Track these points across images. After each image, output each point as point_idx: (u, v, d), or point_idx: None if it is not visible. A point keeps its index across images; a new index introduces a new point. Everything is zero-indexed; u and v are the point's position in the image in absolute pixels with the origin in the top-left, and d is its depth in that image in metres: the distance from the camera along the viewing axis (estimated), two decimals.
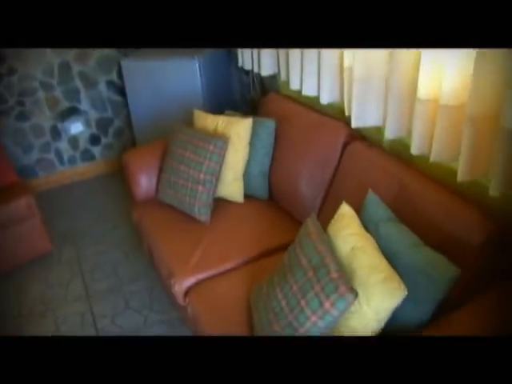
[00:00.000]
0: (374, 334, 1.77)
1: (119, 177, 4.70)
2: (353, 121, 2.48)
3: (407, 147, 2.27)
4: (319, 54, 2.69)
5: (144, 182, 3.17)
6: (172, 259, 2.63)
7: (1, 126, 4.31)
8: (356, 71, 2.34)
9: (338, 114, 2.81)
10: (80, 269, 3.56)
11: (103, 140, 4.77)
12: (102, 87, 4.57)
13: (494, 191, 1.80)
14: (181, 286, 2.47)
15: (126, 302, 3.20)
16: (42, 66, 4.31)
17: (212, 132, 2.99)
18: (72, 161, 4.74)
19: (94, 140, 4.75)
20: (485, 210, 1.88)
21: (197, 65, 3.78)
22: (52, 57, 4.31)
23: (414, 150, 2.15)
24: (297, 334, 1.79)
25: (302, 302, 1.78)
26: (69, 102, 4.51)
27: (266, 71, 3.37)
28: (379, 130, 2.54)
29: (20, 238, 3.57)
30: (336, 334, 1.83)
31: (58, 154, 4.66)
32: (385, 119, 2.33)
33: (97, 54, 4.43)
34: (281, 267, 2.04)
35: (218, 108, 4.03)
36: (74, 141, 4.67)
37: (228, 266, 2.57)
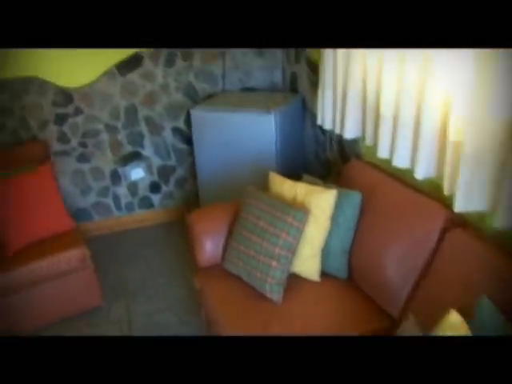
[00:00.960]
0: None
1: (177, 227, 4.51)
2: (456, 204, 2.15)
3: None
4: (416, 120, 2.40)
5: (209, 247, 2.91)
6: None
7: (61, 165, 4.16)
8: (467, 146, 2.03)
9: (434, 192, 2.49)
10: (129, 329, 3.30)
11: (164, 188, 4.56)
12: (168, 134, 4.39)
13: None
14: None
15: None
16: (108, 108, 4.17)
17: (290, 201, 2.72)
18: (129, 207, 4.54)
19: (155, 188, 4.54)
20: None
21: (272, 120, 3.55)
22: (120, 99, 4.17)
23: None
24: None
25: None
26: (132, 147, 4.35)
27: (349, 134, 3.08)
28: (484, 215, 2.22)
29: (70, 290, 3.38)
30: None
31: (116, 198, 4.47)
32: (496, 204, 2.01)
33: (165, 99, 4.27)
34: None
35: (290, 168, 3.80)
36: (133, 187, 4.48)
37: None
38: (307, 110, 4.01)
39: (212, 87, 4.34)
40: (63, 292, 3.35)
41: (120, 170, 4.39)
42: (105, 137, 4.24)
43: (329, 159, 3.77)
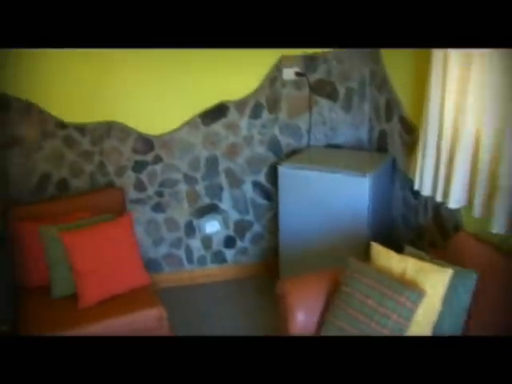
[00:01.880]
0: None
1: (249, 285, 4.31)
2: None
3: None
4: None
5: (301, 319, 2.69)
6: None
7: (136, 214, 4.02)
8: None
9: None
10: None
11: (239, 243, 4.36)
12: (247, 188, 4.21)
13: None
14: None
15: None
16: (188, 158, 4.04)
17: (399, 277, 2.47)
18: (202, 261, 4.35)
19: (229, 242, 4.35)
20: None
21: (367, 183, 3.33)
22: (201, 150, 4.03)
23: None
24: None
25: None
26: (210, 199, 4.18)
27: (454, 203, 2.83)
28: None
29: None
30: None
31: (189, 251, 4.30)
32: None
33: (248, 151, 4.11)
34: None
35: (380, 233, 3.56)
36: (207, 240, 4.30)
37: None
38: (397, 172, 3.78)
39: (296, 142, 4.16)
40: None
41: (195, 222, 4.22)
42: (183, 187, 4.10)
43: (421, 225, 3.51)
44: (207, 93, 3.93)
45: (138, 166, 3.98)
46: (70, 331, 2.93)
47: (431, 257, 2.59)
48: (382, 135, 3.99)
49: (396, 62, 3.70)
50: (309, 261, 3.66)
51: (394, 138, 3.79)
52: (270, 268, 4.31)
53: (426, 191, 3.08)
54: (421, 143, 3.06)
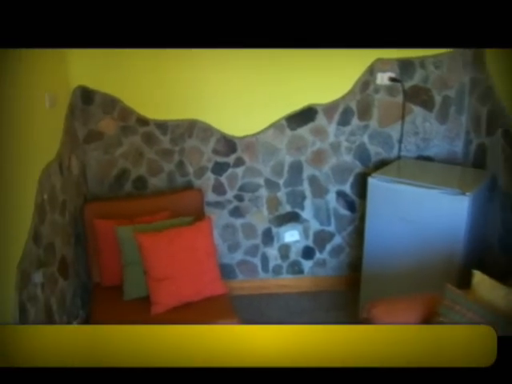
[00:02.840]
0: None
1: (325, 299, 4.09)
2: None
3: None
4: None
5: None
6: None
7: (213, 217, 3.88)
8: None
9: None
10: None
11: (317, 255, 4.15)
12: (331, 197, 3.99)
13: None
14: None
15: None
16: (272, 162, 3.86)
17: (502, 312, 2.21)
18: (277, 270, 4.17)
19: (308, 253, 4.15)
20: None
21: (466, 202, 3.05)
22: (285, 154, 3.84)
23: None
24: None
25: None
26: (291, 207, 3.99)
27: None
28: None
29: None
30: None
31: (265, 260, 4.12)
32: None
33: (334, 159, 3.90)
34: None
35: (473, 258, 3.28)
36: (285, 249, 4.11)
37: None
38: (497, 190, 3.46)
39: (386, 151, 3.90)
40: None
41: (274, 229, 4.04)
42: (264, 192, 3.92)
43: None
44: (295, 95, 3.73)
45: (219, 168, 3.83)
46: None
47: None
48: (481, 149, 3.67)
49: (504, 68, 3.38)
50: (393, 280, 3.42)
51: (496, 154, 3.47)
52: (349, 283, 4.10)
53: None
54: None
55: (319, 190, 3.96)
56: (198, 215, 3.49)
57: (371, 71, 3.74)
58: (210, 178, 3.85)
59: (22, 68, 2.59)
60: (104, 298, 3.24)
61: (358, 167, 3.92)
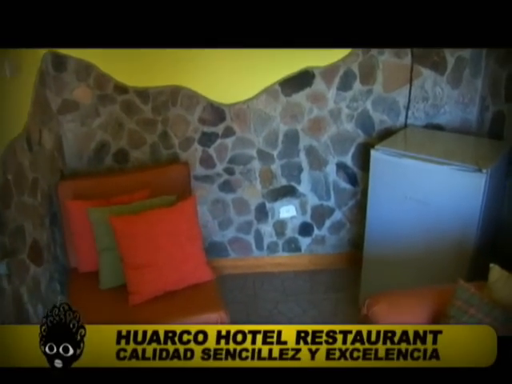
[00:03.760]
0: None
1: (323, 278, 3.87)
2: None
3: None
4: None
5: None
6: None
7: (201, 192, 3.61)
8: None
9: None
10: None
11: (315, 232, 3.87)
12: (331, 170, 3.68)
13: None
14: None
15: None
16: (265, 131, 3.55)
17: None
18: (272, 248, 3.91)
19: (305, 230, 3.87)
20: None
21: (483, 180, 2.71)
22: (279, 123, 3.53)
23: None
24: None
25: None
26: (286, 180, 3.70)
27: None
28: None
29: None
30: None
31: (259, 237, 3.86)
32: None
33: (334, 128, 3.57)
34: None
35: (487, 241, 2.98)
36: (280, 226, 3.84)
37: None
38: None
39: (392, 119, 3.56)
40: None
41: (268, 205, 3.76)
42: (256, 165, 3.62)
43: None
44: (290, 56, 3.37)
45: (206, 139, 3.54)
46: None
47: None
48: (498, 117, 3.31)
49: None
50: (397, 263, 3.15)
51: None
52: (350, 260, 3.87)
53: None
54: None
55: (317, 162, 3.66)
56: (184, 191, 3.24)
57: None
58: (196, 149, 3.56)
59: None
60: (80, 287, 2.98)
61: (361, 137, 3.60)
